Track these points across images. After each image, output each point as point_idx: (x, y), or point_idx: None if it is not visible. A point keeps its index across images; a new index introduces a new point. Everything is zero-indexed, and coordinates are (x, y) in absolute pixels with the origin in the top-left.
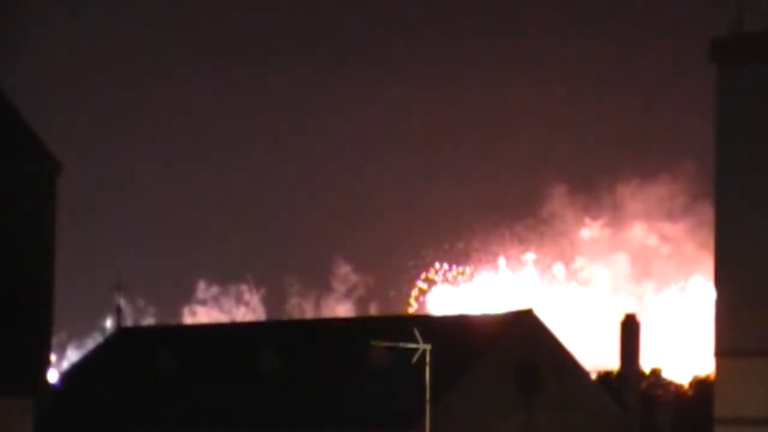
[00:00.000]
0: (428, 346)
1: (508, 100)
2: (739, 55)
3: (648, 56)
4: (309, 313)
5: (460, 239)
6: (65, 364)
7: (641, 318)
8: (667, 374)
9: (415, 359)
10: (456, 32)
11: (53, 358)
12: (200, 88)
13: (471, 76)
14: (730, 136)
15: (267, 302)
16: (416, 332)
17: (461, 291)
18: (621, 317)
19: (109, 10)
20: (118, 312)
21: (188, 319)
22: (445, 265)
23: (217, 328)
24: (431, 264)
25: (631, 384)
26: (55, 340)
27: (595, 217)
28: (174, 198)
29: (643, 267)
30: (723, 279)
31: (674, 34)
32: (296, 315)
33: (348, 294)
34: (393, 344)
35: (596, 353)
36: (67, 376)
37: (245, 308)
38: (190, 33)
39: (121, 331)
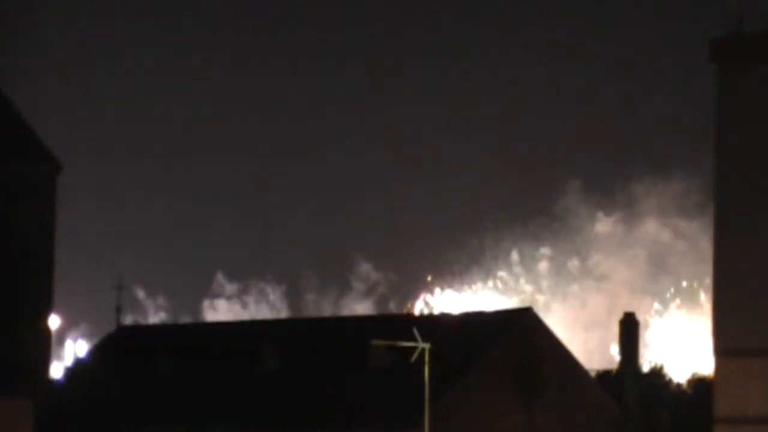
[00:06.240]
0: (427, 345)
1: (523, 97)
2: (739, 55)
3: (658, 54)
4: (327, 311)
5: (474, 236)
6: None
7: (652, 316)
8: (671, 372)
9: (414, 358)
10: (468, 29)
11: (71, 352)
12: (210, 86)
13: (484, 74)
14: (729, 137)
15: (287, 299)
16: (415, 331)
17: (473, 289)
18: (621, 316)
19: (109, 10)
20: (117, 311)
21: (209, 316)
22: (458, 264)
23: (216, 327)
24: (445, 262)
25: (630, 383)
26: (74, 335)
27: (608, 213)
28: (191, 197)
29: (657, 264)
30: (722, 277)
31: (688, 31)
32: (314, 313)
33: (368, 292)
34: (392, 343)
35: (609, 351)
36: (66, 375)
37: (266, 305)
38: (194, 30)
39: (120, 330)
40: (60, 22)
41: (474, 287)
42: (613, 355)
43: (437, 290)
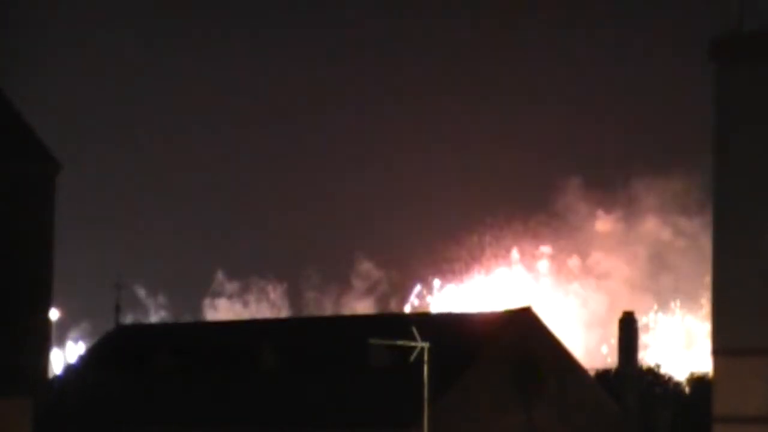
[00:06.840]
0: (426, 344)
1: (523, 94)
2: (739, 55)
3: (662, 52)
4: (328, 310)
5: (474, 234)
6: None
7: (655, 313)
8: (670, 371)
9: (413, 357)
10: (468, 28)
11: (71, 351)
12: (210, 86)
13: (485, 71)
14: (729, 136)
15: (288, 298)
16: (414, 330)
17: (474, 288)
18: (620, 315)
19: (109, 10)
20: (117, 310)
21: (210, 315)
22: (458, 263)
23: (215, 327)
24: (445, 260)
25: (630, 383)
26: (74, 334)
27: (608, 211)
28: (191, 196)
29: (658, 262)
30: (721, 277)
31: (688, 31)
32: (314, 311)
33: (369, 290)
34: (391, 342)
35: (610, 349)
36: (66, 375)
37: (267, 304)
38: (193, 30)
39: (120, 329)
40: (60, 22)
41: (474, 285)
42: (605, 354)
43: (437, 289)
